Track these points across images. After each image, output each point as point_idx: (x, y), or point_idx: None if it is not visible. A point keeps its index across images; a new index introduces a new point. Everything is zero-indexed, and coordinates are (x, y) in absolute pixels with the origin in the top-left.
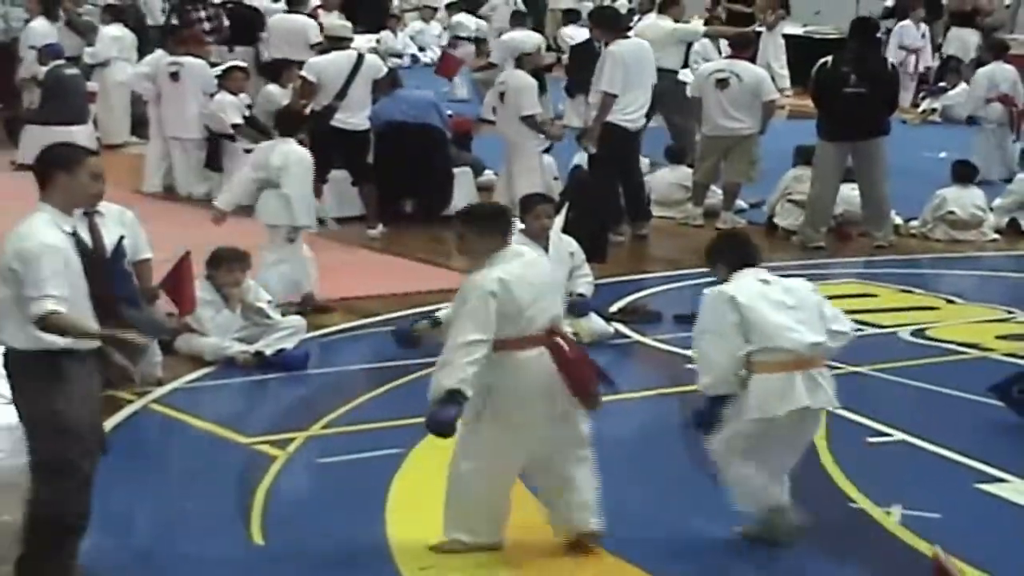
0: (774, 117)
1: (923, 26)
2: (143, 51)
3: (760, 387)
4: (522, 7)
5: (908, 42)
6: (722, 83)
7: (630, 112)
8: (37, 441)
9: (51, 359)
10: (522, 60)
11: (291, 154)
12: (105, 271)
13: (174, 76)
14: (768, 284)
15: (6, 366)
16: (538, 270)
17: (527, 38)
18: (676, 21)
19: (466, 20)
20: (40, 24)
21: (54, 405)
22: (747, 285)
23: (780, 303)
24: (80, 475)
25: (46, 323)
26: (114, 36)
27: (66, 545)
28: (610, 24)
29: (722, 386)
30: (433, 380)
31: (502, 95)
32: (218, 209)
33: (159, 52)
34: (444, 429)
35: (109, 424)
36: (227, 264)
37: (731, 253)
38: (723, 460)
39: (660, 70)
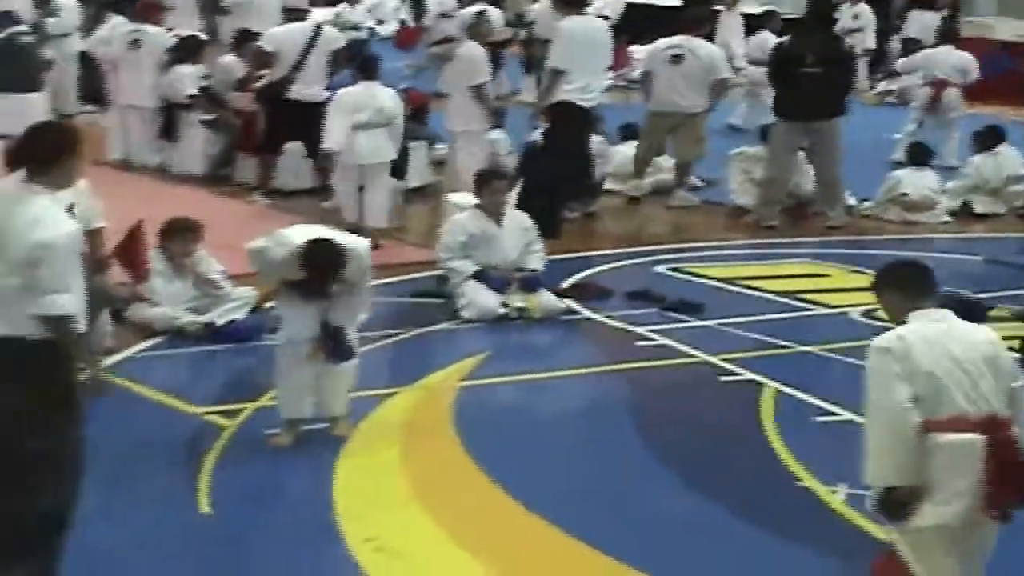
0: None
1: (860, 6)
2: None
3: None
4: None
5: (840, 25)
6: (677, 59)
7: (582, 89)
8: (51, 429)
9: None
10: (471, 32)
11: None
12: None
13: (134, 44)
14: None
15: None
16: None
17: (472, 9)
18: None
19: None
20: None
21: (73, 389)
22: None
23: None
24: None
25: (62, 323)
26: (72, 6)
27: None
28: None
29: None
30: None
31: (455, 66)
32: None
33: (118, 19)
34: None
35: None
36: (180, 234)
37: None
38: (285, 366)
39: None
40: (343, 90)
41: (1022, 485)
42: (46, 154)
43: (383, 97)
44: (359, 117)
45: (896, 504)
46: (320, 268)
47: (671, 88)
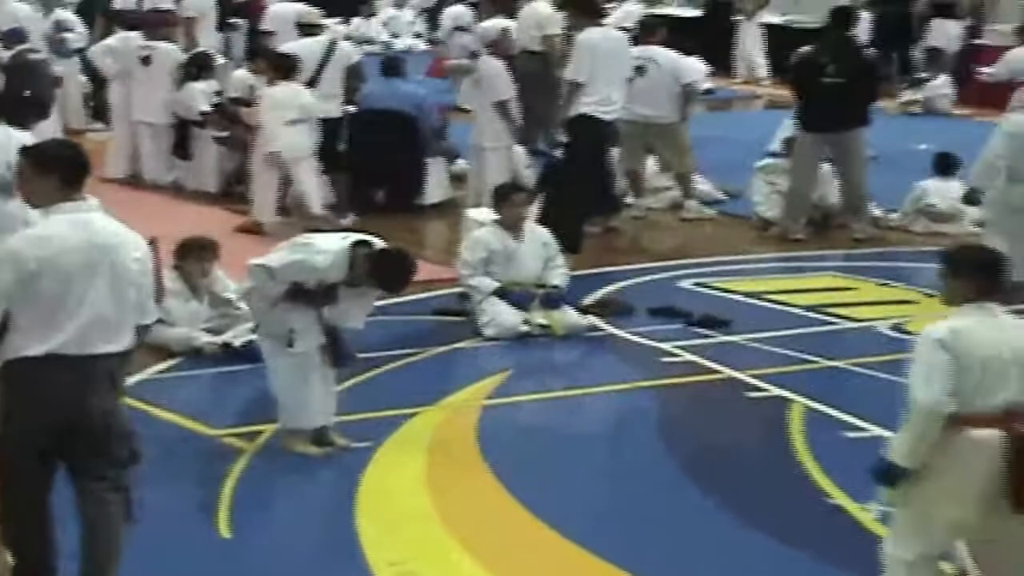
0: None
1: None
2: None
3: None
4: None
5: None
6: (640, 70)
7: (602, 102)
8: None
9: None
10: (495, 47)
11: None
12: None
13: (145, 60)
14: None
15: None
16: (1007, 334)
17: (495, 25)
18: None
19: (463, 12)
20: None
21: None
22: None
23: None
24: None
25: (149, 329)
26: (77, 20)
27: None
28: (583, 8)
29: None
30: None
31: (478, 82)
32: None
33: (130, 33)
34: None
35: None
36: (196, 254)
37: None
38: (300, 377)
39: None
40: (269, 90)
41: None
42: (82, 175)
43: (304, 96)
44: (286, 115)
45: (899, 479)
46: (401, 274)
47: (638, 100)
